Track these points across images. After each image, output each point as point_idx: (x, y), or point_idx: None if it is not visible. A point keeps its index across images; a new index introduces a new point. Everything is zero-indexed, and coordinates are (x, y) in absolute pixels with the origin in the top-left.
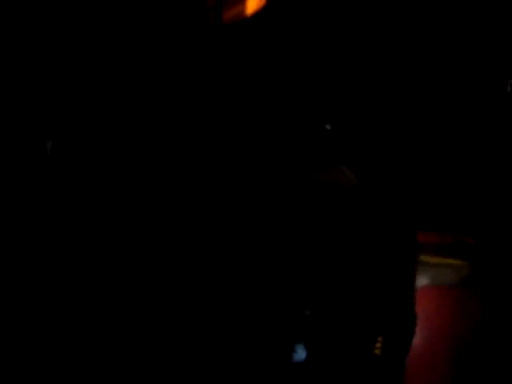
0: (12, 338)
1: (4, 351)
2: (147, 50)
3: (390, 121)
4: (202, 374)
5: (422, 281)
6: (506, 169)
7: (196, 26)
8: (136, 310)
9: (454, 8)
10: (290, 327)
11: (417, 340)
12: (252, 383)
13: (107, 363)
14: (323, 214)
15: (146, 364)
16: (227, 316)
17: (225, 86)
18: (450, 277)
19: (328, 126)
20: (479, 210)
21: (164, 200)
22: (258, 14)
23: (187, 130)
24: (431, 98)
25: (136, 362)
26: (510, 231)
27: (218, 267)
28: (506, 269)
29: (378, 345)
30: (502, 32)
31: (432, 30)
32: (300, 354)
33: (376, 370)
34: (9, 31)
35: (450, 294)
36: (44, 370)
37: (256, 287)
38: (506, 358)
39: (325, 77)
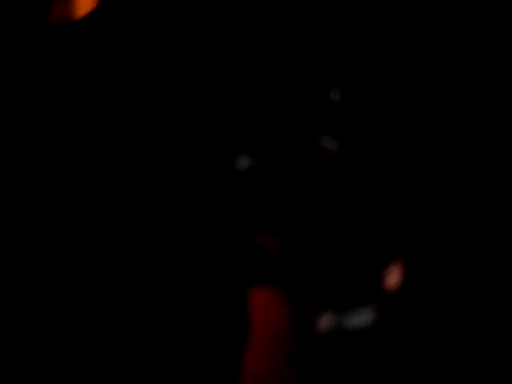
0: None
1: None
2: None
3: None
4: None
5: (256, 281)
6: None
7: (23, 25)
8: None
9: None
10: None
11: (251, 339)
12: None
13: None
14: None
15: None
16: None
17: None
18: (276, 277)
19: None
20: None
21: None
22: (90, 15)
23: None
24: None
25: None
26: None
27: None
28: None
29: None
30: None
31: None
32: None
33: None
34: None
35: (276, 294)
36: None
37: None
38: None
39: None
